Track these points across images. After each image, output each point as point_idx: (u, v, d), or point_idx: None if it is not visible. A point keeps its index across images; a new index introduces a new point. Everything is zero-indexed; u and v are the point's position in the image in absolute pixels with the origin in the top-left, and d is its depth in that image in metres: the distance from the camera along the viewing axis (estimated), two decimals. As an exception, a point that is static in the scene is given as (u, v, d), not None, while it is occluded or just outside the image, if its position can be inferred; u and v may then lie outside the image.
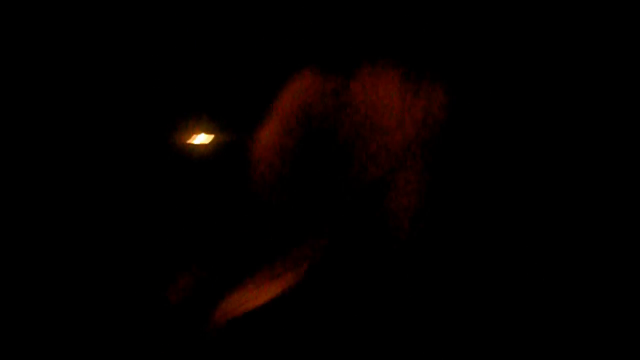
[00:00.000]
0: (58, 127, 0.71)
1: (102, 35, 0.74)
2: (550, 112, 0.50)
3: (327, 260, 0.43)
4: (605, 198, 0.58)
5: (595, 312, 0.57)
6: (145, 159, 0.73)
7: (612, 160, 0.53)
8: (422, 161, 0.44)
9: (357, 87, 0.44)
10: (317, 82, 0.45)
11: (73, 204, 0.70)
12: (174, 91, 0.75)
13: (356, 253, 0.43)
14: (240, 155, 0.54)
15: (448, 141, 0.44)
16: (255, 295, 0.45)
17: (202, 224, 0.61)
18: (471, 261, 0.47)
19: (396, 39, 0.46)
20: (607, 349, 0.54)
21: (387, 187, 0.42)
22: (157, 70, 0.74)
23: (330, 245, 0.43)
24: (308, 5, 0.50)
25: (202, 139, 0.84)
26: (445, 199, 0.45)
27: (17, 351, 0.61)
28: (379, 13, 0.46)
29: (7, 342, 0.63)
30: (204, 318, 0.51)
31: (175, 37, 0.71)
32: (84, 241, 0.67)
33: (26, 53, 0.73)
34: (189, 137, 0.80)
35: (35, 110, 0.76)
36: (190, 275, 0.59)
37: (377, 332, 0.45)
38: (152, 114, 0.75)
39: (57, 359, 0.63)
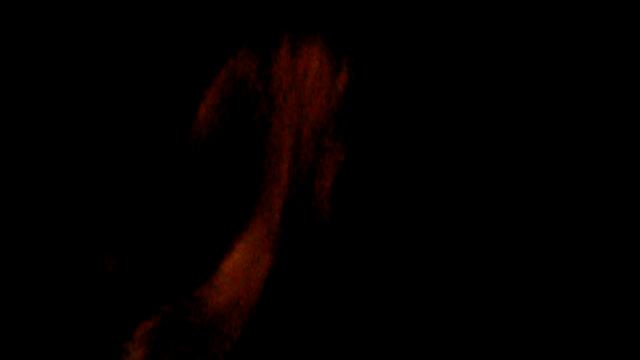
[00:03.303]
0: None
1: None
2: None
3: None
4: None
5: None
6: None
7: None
8: (341, 141, 0.46)
9: (278, 65, 0.45)
10: (241, 63, 0.47)
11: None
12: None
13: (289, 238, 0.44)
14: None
15: (368, 117, 0.47)
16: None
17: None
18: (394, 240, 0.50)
19: (317, 15, 0.47)
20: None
21: (311, 170, 0.45)
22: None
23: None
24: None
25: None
26: (364, 178, 0.47)
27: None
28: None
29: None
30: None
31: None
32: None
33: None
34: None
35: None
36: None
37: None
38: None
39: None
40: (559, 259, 0.55)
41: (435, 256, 0.50)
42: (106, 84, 0.64)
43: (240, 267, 0.40)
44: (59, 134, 0.64)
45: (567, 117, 0.57)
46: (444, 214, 0.50)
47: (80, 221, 0.59)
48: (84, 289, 0.51)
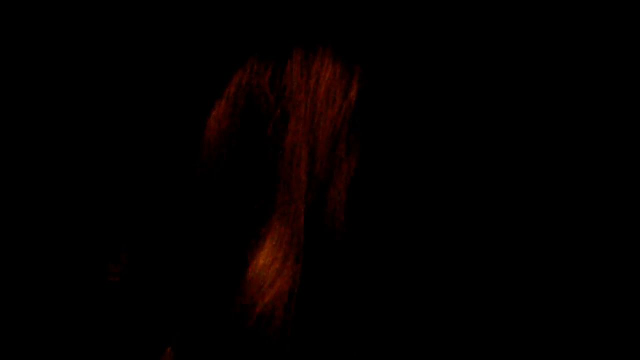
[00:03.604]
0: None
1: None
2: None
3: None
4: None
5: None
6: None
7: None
8: (354, 149, 0.47)
9: (291, 76, 0.46)
10: (252, 74, 0.47)
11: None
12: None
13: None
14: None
15: (379, 125, 0.48)
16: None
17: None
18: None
19: (329, 26, 0.49)
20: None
21: (326, 177, 0.46)
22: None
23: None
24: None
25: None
26: (376, 184, 0.48)
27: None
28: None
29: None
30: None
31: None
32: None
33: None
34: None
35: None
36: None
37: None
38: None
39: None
40: (567, 263, 0.57)
41: (446, 262, 0.52)
42: (118, 94, 0.64)
43: (270, 273, 0.41)
44: (75, 144, 0.63)
45: (575, 120, 0.59)
46: (456, 220, 0.53)
47: (94, 228, 0.59)
48: (94, 296, 0.51)
